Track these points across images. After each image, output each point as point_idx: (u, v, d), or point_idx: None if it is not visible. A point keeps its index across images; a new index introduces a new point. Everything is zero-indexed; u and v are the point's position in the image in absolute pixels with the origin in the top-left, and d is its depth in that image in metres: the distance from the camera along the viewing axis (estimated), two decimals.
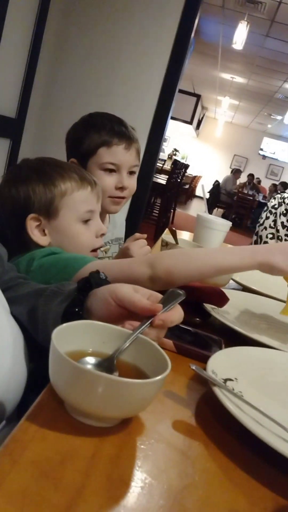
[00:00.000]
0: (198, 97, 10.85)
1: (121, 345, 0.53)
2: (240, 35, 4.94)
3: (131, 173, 1.28)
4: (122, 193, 1.26)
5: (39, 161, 1.01)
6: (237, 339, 0.80)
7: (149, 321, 0.56)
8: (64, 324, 0.52)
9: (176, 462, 0.46)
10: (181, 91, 8.78)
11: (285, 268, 0.82)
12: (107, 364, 0.51)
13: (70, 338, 0.52)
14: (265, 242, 2.15)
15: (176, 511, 0.40)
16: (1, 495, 0.36)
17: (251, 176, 12.34)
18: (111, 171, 1.23)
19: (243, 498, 0.44)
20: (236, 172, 12.03)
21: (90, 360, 0.51)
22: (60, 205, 0.95)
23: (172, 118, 7.64)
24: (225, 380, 0.60)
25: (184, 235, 1.77)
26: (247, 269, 0.85)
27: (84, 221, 0.98)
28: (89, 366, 0.51)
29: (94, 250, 1.01)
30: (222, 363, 0.65)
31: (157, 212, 6.18)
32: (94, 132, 1.21)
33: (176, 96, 2.88)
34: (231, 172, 12.36)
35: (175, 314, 0.59)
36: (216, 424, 0.55)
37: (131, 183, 1.27)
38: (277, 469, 0.50)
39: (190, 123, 11.04)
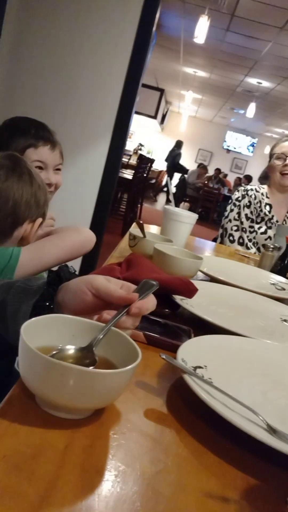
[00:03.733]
0: (161, 91, 10.87)
1: (96, 336, 0.54)
2: (201, 29, 4.97)
3: (57, 170, 1.42)
4: (50, 188, 1.40)
5: None
6: (206, 328, 0.81)
7: (125, 309, 0.57)
8: (33, 319, 0.52)
9: (149, 449, 0.47)
10: (144, 85, 8.80)
11: None
12: (86, 351, 0.52)
13: (39, 333, 0.52)
14: (230, 235, 2.19)
15: (149, 496, 0.41)
16: None
17: (217, 170, 12.51)
18: (39, 168, 1.36)
19: (215, 480, 0.45)
20: (202, 168, 12.18)
21: (70, 349, 0.52)
22: None
23: (136, 112, 7.63)
24: (195, 368, 0.62)
25: (152, 229, 1.78)
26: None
27: None
28: (71, 351, 0.52)
29: None
30: (192, 351, 0.66)
31: (124, 207, 6.18)
32: (20, 136, 1.33)
33: (140, 91, 2.87)
34: (197, 166, 12.51)
35: (150, 302, 0.60)
36: (187, 411, 0.56)
37: (57, 178, 1.42)
38: (247, 451, 0.51)
39: (155, 117, 11.06)
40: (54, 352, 0.51)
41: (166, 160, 12.49)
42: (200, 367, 0.63)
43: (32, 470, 0.39)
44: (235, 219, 2.20)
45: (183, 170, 12.22)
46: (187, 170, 12.18)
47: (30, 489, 0.37)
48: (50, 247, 1.00)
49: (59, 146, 1.41)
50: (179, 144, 12.61)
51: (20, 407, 0.48)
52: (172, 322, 0.82)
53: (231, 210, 2.22)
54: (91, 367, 0.50)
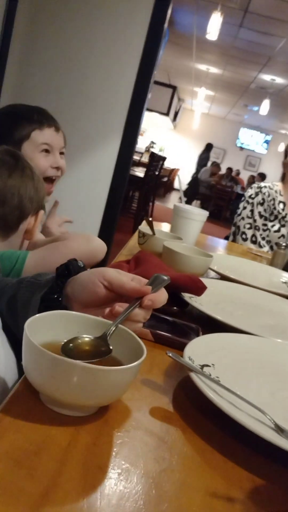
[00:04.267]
0: (174, 88, 10.82)
1: (109, 326, 0.54)
2: (214, 25, 4.93)
3: (61, 154, 1.43)
4: (57, 172, 1.40)
5: None
6: (214, 326, 0.80)
7: (138, 302, 0.57)
8: (37, 315, 0.52)
9: (153, 448, 0.47)
10: (156, 82, 8.78)
11: None
12: (101, 340, 0.52)
13: (43, 329, 0.52)
14: (243, 233, 2.17)
15: (153, 494, 0.40)
16: None
17: (229, 169, 12.44)
18: (46, 151, 1.37)
19: (220, 479, 0.45)
20: (215, 165, 12.12)
21: (85, 337, 0.53)
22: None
23: (148, 109, 7.61)
24: (202, 366, 0.61)
25: (164, 227, 1.77)
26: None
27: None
28: (86, 339, 0.52)
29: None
30: (199, 349, 0.65)
31: (135, 205, 6.17)
32: (23, 120, 1.34)
33: (152, 88, 2.86)
34: (210, 164, 12.45)
35: (162, 295, 0.60)
36: (193, 410, 0.56)
37: (63, 162, 1.43)
38: (253, 450, 0.50)
39: (167, 114, 11.02)
40: (72, 338, 0.52)
41: (198, 163, 12.59)
42: (207, 366, 0.62)
43: (34, 466, 0.39)
44: (248, 217, 2.18)
45: None
46: None
47: (32, 485, 0.37)
48: (57, 256, 0.96)
49: (61, 129, 1.43)
50: (209, 147, 12.72)
51: (24, 403, 0.48)
52: (180, 320, 0.81)
53: (244, 208, 2.20)
54: (107, 356, 0.51)
